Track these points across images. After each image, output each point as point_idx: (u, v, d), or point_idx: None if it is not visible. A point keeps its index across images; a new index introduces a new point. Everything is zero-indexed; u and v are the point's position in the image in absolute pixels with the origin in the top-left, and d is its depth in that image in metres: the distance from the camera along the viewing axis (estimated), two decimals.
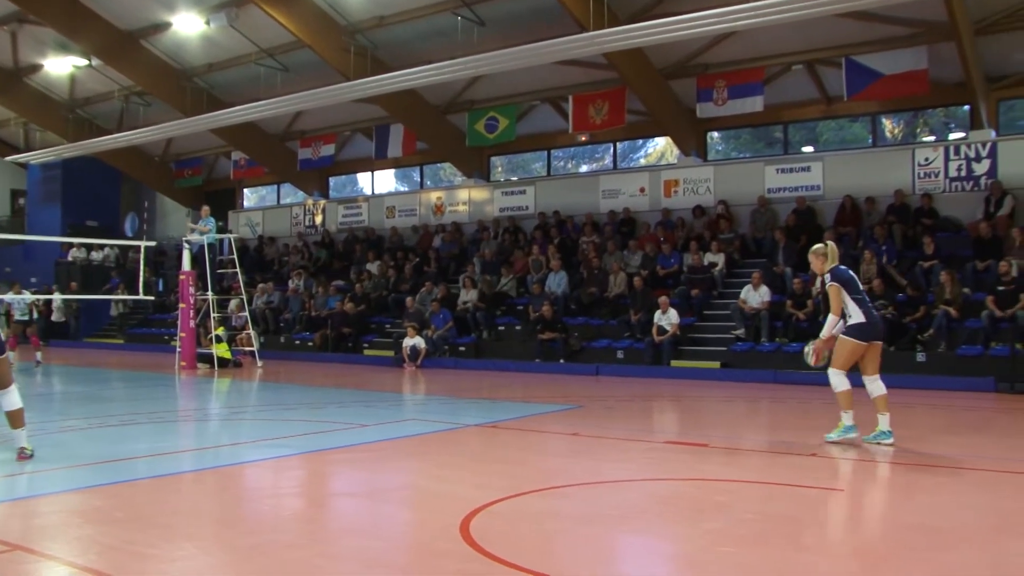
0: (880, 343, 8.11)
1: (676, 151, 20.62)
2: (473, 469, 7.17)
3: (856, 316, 7.95)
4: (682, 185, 20.25)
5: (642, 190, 20.73)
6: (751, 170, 19.48)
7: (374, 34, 19.93)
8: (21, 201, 32.54)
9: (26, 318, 18.90)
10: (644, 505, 5.98)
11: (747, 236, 18.72)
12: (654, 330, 16.37)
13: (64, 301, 25.93)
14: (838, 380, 8.02)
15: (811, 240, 13.92)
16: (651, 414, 11.57)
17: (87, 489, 6.34)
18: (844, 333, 7.99)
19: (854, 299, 7.98)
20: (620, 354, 16.80)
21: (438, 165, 24.94)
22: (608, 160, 22.47)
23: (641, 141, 22.26)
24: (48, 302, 25.46)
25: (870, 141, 19.31)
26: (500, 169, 23.95)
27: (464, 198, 23.62)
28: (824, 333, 8.18)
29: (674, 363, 16.03)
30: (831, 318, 8.07)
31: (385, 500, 6.13)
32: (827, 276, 8.14)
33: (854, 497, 6.38)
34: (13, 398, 7.23)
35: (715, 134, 20.91)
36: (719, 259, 17.95)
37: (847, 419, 8.02)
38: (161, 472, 7.05)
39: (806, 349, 8.42)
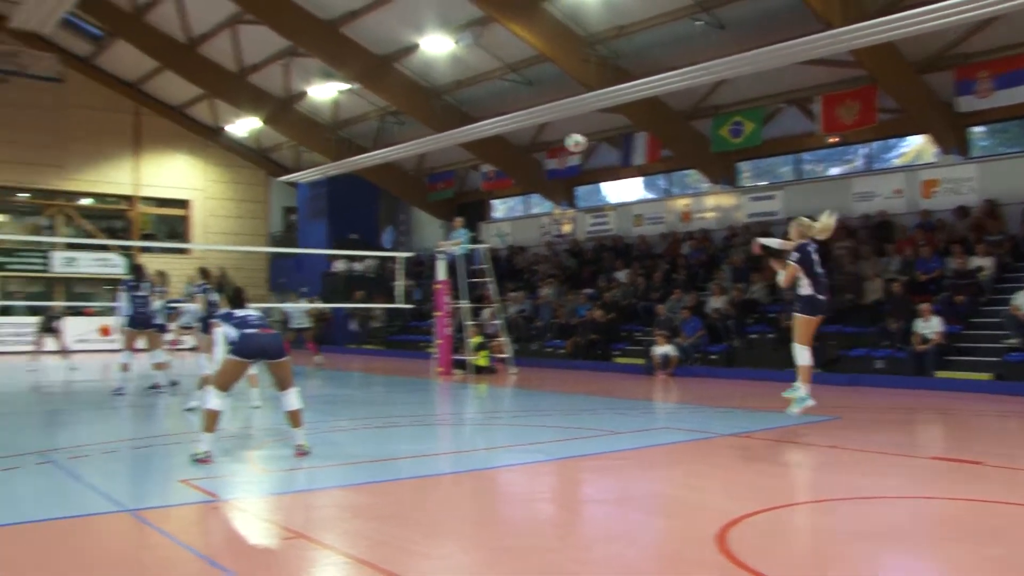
0: None
1: (935, 149, 19.23)
2: (727, 480, 7.03)
3: None
4: (942, 185, 18.84)
5: (898, 191, 19.50)
6: (1022, 166, 17.84)
7: (614, 44, 20.05)
8: (293, 217, 35.45)
9: (305, 325, 20.70)
10: (914, 525, 5.64)
11: (1019, 237, 17.15)
12: (915, 339, 15.33)
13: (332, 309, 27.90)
14: None
15: None
16: (915, 427, 10.86)
17: (356, 486, 6.82)
18: None
19: None
20: (879, 363, 15.87)
21: (684, 172, 24.68)
22: (859, 161, 21.33)
23: (895, 140, 20.93)
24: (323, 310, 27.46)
25: None
26: (747, 174, 23.36)
27: (711, 204, 23.23)
28: None
29: (939, 374, 14.92)
30: None
31: (637, 508, 6.15)
32: None
33: None
34: (294, 399, 7.92)
35: (978, 129, 19.29)
36: (987, 263, 16.54)
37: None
38: (422, 473, 7.45)
39: None
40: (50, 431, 10.48)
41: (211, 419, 7.62)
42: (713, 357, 18.25)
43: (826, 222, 9.42)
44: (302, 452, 7.82)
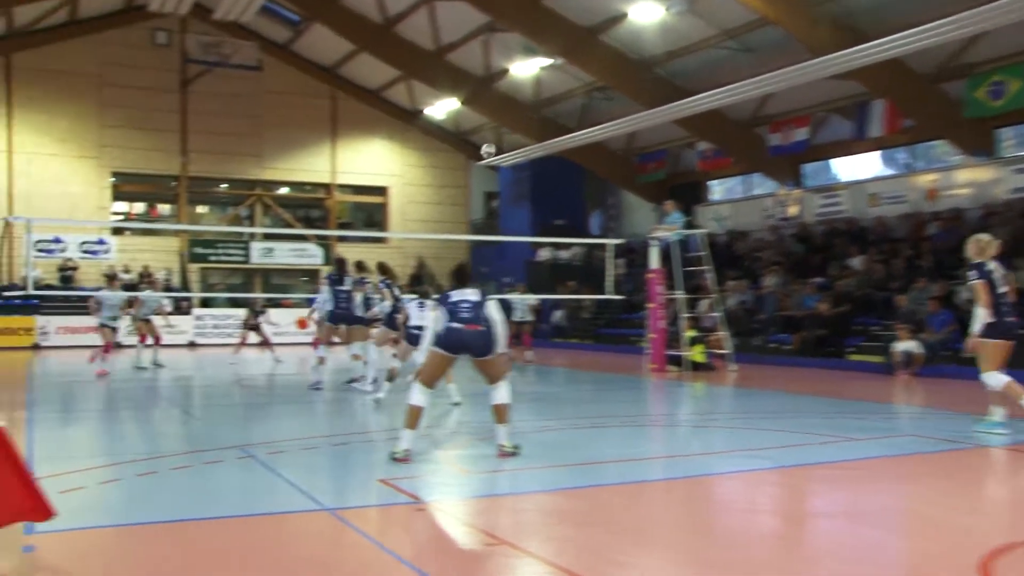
0: None
1: None
2: (987, 498, 6.68)
3: None
4: None
5: None
6: None
7: (847, 1, 19.24)
8: (494, 203, 36.33)
9: (527, 319, 21.29)
10: None
11: None
12: None
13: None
14: None
15: None
16: None
17: (562, 490, 6.97)
18: None
19: None
20: None
21: (929, 143, 23.41)
22: None
23: None
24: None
25: None
26: (1009, 142, 21.85)
27: (964, 180, 21.90)
28: None
29: None
30: None
31: (872, 524, 5.95)
32: None
33: None
34: (503, 392, 8.12)
35: None
36: None
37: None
38: (632, 478, 7.50)
39: None
40: (250, 425, 11.26)
41: (413, 416, 7.89)
42: (967, 356, 17.23)
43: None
44: (505, 453, 8.01)
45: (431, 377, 8.00)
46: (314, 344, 18.59)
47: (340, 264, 14.80)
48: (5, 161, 29.05)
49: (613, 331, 27.03)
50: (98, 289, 19.40)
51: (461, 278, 8.28)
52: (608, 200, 33.16)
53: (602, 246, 25.86)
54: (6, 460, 4.38)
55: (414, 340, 11.78)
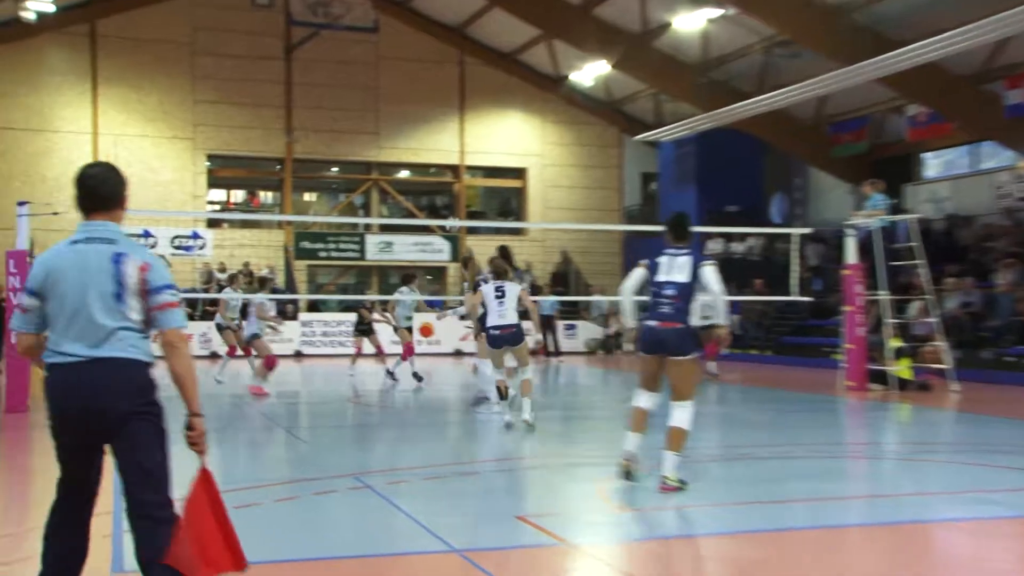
0: None
1: None
2: None
3: None
4: None
5: None
6: None
7: None
8: (652, 186, 36.09)
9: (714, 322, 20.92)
10: None
11: None
12: None
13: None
14: None
15: None
16: None
17: (738, 534, 6.84)
18: None
19: None
20: None
21: None
22: None
23: None
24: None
25: None
26: None
27: None
28: None
29: None
30: None
31: None
32: None
33: None
34: (681, 415, 8.13)
35: None
36: None
37: None
38: (826, 522, 7.32)
39: None
40: (366, 449, 11.46)
41: (635, 418, 8.27)
42: None
43: None
44: (667, 487, 7.93)
45: (642, 380, 8.38)
46: None
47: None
48: (90, 144, 30.40)
49: (799, 340, 26.55)
50: (221, 289, 20.70)
51: (680, 234, 8.64)
52: (793, 181, 32.55)
53: (785, 237, 25.42)
54: (210, 508, 4.63)
55: (496, 343, 12.10)
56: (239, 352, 19.19)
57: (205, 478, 4.60)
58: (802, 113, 29.60)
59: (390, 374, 19.79)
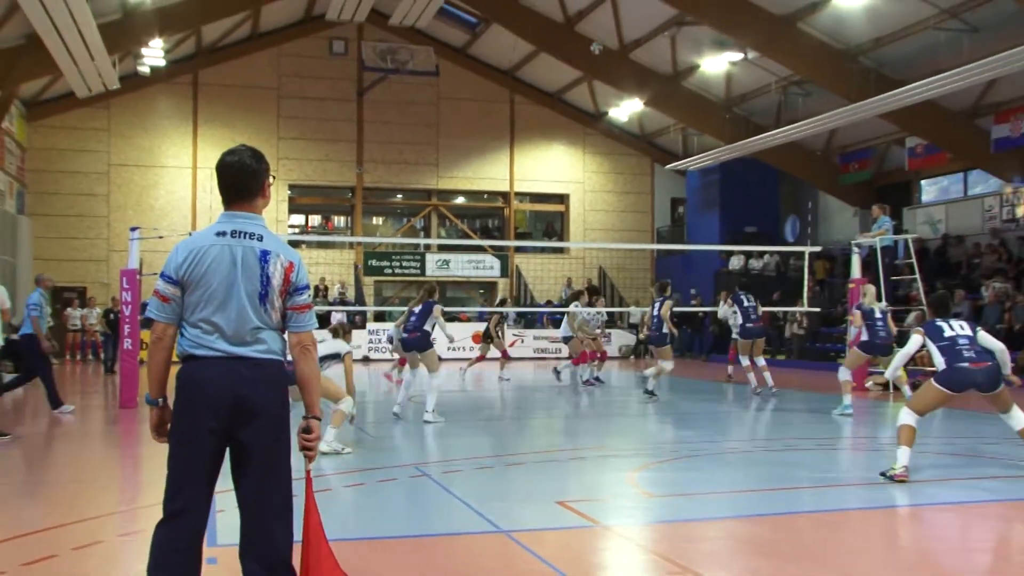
0: None
1: None
2: None
3: None
4: None
5: None
6: None
7: None
8: (680, 210, 36.03)
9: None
10: None
11: None
12: None
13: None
14: None
15: None
16: None
17: (752, 517, 6.86)
18: None
19: None
20: None
21: None
22: None
23: None
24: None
25: None
26: None
27: None
28: None
29: None
30: None
31: None
32: None
33: None
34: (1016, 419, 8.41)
35: None
36: None
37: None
38: (831, 506, 7.33)
39: None
40: (428, 443, 11.55)
41: (906, 434, 8.25)
42: None
43: None
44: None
45: (925, 408, 8.51)
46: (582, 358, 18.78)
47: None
48: (190, 177, 30.89)
49: (810, 346, 26.33)
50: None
51: (943, 309, 8.97)
52: (807, 204, 32.35)
53: (799, 254, 25.27)
54: (318, 522, 4.19)
55: None
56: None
57: (310, 485, 4.19)
58: (814, 144, 29.42)
59: (556, 373, 19.51)
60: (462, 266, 32.94)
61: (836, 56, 23.70)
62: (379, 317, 30.95)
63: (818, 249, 23.97)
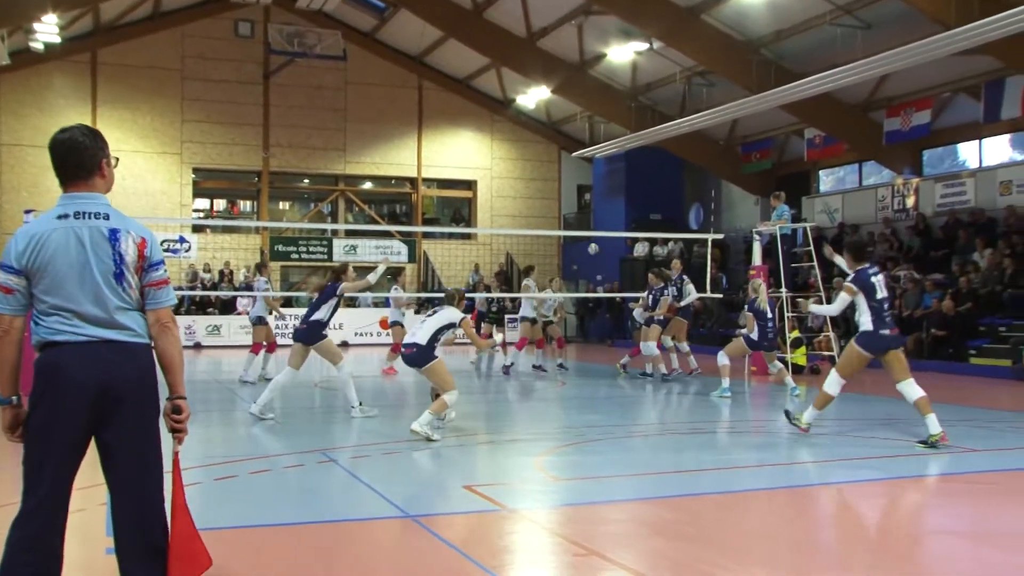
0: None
1: None
2: None
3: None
4: None
5: None
6: None
7: None
8: (587, 197, 36.26)
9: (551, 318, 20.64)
10: None
11: None
12: None
13: None
14: None
15: None
16: None
17: (655, 499, 6.96)
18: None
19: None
20: None
21: None
22: None
23: None
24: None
25: None
26: None
27: None
28: None
29: None
30: None
31: (996, 545, 5.80)
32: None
33: None
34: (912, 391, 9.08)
35: None
36: None
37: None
38: (730, 488, 7.47)
39: None
40: (332, 429, 11.46)
41: (824, 400, 9.24)
42: None
43: None
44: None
45: (849, 373, 9.36)
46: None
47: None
48: None
49: (708, 330, 26.75)
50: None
51: (862, 255, 9.61)
52: (710, 192, 32.85)
53: (701, 241, 25.64)
54: (185, 503, 4.04)
55: None
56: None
57: (178, 467, 4.04)
58: (717, 134, 29.86)
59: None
60: (369, 252, 32.61)
61: (739, 48, 24.06)
62: (286, 303, 30.58)
63: (720, 236, 24.35)
